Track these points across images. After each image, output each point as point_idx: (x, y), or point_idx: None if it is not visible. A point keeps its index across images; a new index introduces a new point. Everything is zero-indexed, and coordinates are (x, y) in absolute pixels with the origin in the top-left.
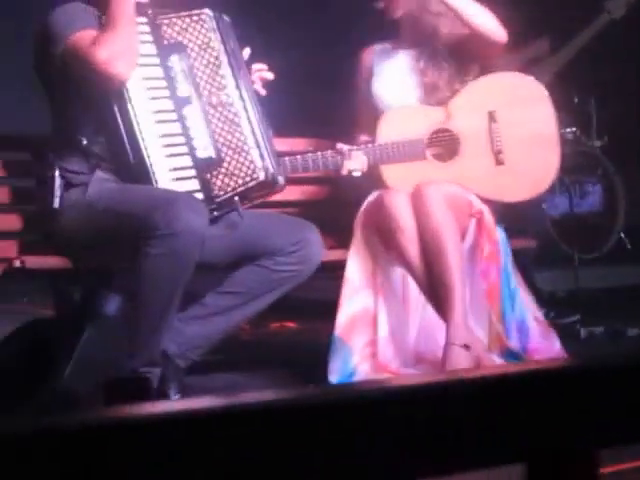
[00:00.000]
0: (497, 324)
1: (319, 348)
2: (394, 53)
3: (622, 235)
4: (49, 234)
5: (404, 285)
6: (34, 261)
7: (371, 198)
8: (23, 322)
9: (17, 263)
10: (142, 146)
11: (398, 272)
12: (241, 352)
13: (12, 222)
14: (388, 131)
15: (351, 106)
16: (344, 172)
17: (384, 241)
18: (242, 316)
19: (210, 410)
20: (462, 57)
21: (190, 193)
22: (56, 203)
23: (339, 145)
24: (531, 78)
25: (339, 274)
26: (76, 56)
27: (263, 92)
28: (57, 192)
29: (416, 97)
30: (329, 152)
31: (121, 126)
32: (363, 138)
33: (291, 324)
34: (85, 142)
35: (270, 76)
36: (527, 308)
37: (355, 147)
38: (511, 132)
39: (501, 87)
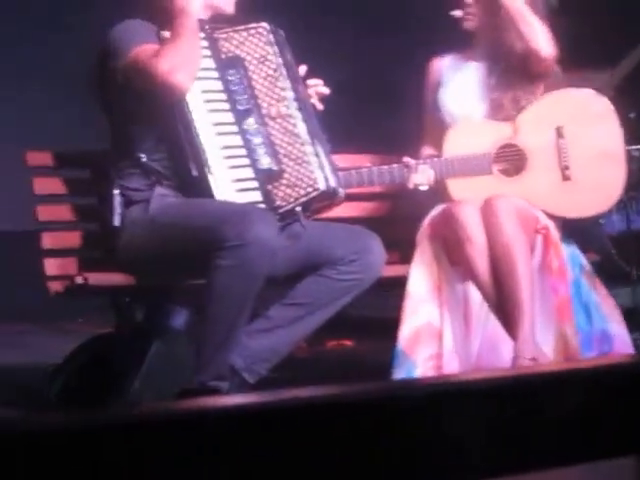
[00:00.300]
0: (572, 339)
1: (376, 366)
2: (465, 65)
3: None
4: (111, 251)
5: (466, 299)
6: (96, 278)
7: (438, 210)
8: (86, 339)
9: (79, 280)
10: (204, 159)
11: (460, 286)
12: (298, 370)
13: (73, 239)
14: (455, 145)
15: (415, 120)
16: (410, 185)
17: (450, 254)
18: (307, 327)
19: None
20: (528, 76)
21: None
22: (117, 221)
23: (406, 158)
24: (597, 94)
25: (397, 292)
26: (138, 69)
27: (320, 107)
28: (117, 210)
29: (482, 112)
30: (395, 165)
31: (183, 139)
32: (428, 152)
33: (348, 342)
34: (144, 159)
35: (326, 91)
36: (609, 317)
37: (422, 160)
38: (578, 148)
39: (568, 103)
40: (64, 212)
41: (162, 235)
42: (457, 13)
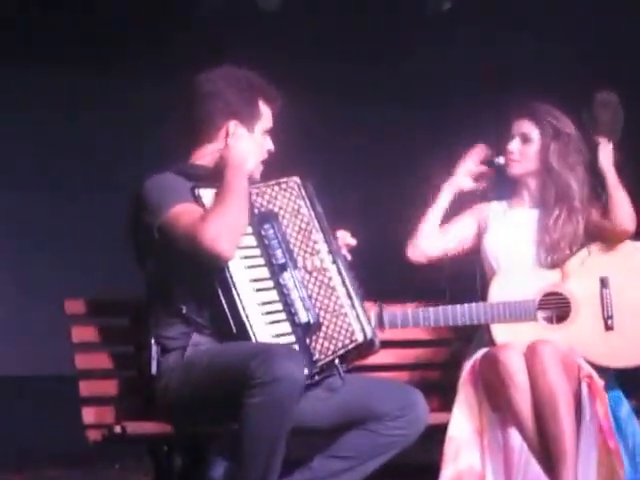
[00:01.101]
0: None
1: None
2: (509, 211)
3: None
4: (149, 399)
5: (506, 445)
6: (134, 427)
7: (480, 354)
8: None
9: (117, 429)
10: (244, 317)
11: (500, 433)
12: None
13: (111, 387)
14: (500, 291)
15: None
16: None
17: (491, 398)
18: None
19: None
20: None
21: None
22: (154, 369)
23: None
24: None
25: (437, 437)
26: (177, 230)
27: (349, 257)
28: (154, 358)
29: (532, 256)
30: (420, 310)
31: (222, 299)
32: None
33: None
34: (184, 310)
35: (353, 242)
36: None
37: (466, 304)
38: (622, 298)
39: (614, 253)
40: (102, 360)
41: (196, 380)
42: (500, 160)
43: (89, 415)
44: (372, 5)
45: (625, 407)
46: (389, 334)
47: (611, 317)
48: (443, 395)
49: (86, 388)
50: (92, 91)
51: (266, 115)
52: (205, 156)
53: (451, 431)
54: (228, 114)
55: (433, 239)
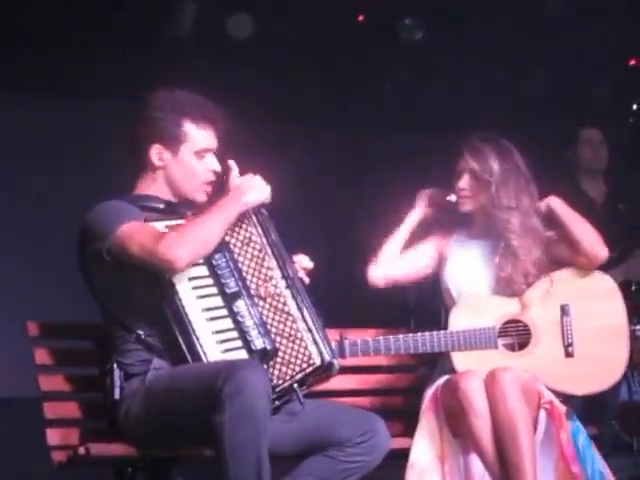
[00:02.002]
0: None
1: None
2: (468, 242)
3: None
4: (113, 423)
5: (467, 471)
6: (99, 448)
7: (441, 381)
8: None
9: (81, 450)
10: (198, 346)
11: (462, 457)
12: None
13: (76, 409)
14: (460, 319)
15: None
16: None
17: (452, 425)
18: None
19: None
20: (544, 253)
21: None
22: (117, 394)
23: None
24: (603, 274)
25: (400, 463)
26: (132, 244)
27: (307, 280)
28: (117, 383)
29: (489, 288)
30: (381, 338)
31: (175, 329)
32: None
33: None
34: (143, 336)
35: (310, 265)
36: None
37: (427, 333)
38: (582, 326)
39: (574, 281)
40: (66, 382)
41: (158, 403)
42: (452, 198)
43: (54, 436)
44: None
45: (583, 434)
46: (353, 360)
47: (571, 344)
48: (406, 421)
49: (50, 410)
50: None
51: (195, 136)
52: (147, 186)
53: (413, 457)
54: (152, 139)
55: (392, 263)
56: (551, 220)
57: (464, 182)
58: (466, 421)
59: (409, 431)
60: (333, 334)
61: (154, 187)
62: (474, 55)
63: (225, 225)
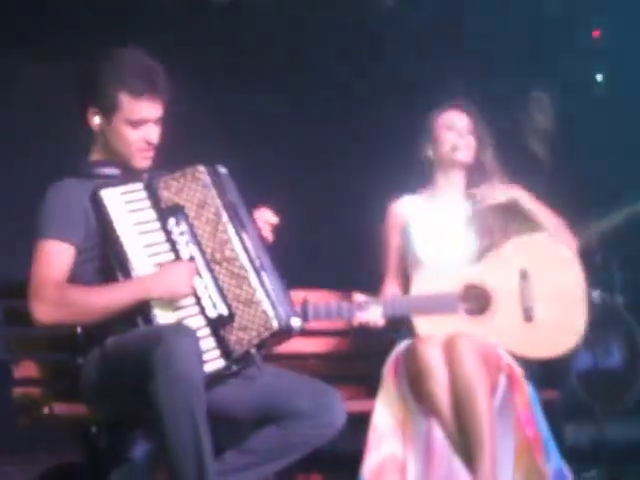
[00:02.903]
0: (545, 476)
1: None
2: (433, 201)
3: None
4: (75, 384)
5: (429, 434)
6: (62, 408)
7: (402, 347)
8: (48, 468)
9: (46, 410)
10: (152, 316)
11: (424, 423)
12: None
13: (42, 371)
14: (422, 284)
15: (377, 256)
16: (355, 323)
17: (414, 390)
18: (259, 475)
19: None
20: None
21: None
22: (79, 358)
23: (355, 295)
24: (561, 241)
25: (365, 426)
26: (33, 267)
27: (271, 238)
28: (81, 346)
29: (459, 246)
30: (344, 302)
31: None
32: (390, 290)
33: (317, 477)
34: None
35: (274, 219)
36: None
37: (372, 299)
38: (541, 291)
39: (533, 247)
40: (35, 343)
41: (109, 369)
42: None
43: (19, 397)
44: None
45: (536, 400)
46: (319, 323)
47: (530, 309)
48: (372, 384)
49: (17, 370)
50: None
51: (129, 107)
52: (99, 150)
53: (375, 419)
54: (89, 103)
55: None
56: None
57: (463, 133)
58: (425, 386)
59: (375, 394)
60: (297, 296)
61: (103, 152)
62: None
63: (115, 308)
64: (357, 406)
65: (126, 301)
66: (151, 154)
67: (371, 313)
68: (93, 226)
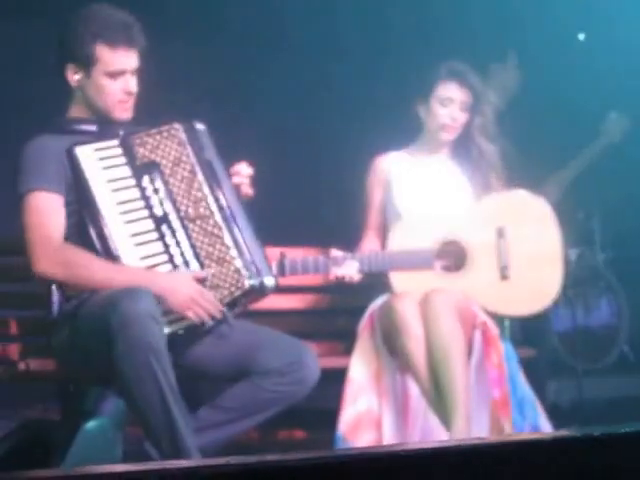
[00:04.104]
0: (509, 431)
1: None
2: (417, 159)
3: (625, 347)
4: (49, 341)
5: (405, 390)
6: (38, 364)
7: (379, 302)
8: (21, 422)
9: (22, 366)
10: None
11: (399, 376)
12: None
13: (17, 327)
14: (399, 239)
15: (358, 214)
16: (331, 277)
17: (389, 345)
18: (233, 431)
19: None
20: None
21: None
22: (54, 313)
23: (332, 251)
24: (539, 197)
25: (340, 382)
26: (25, 225)
27: (250, 192)
28: (55, 303)
29: (438, 203)
30: (320, 257)
31: (103, 256)
32: (371, 246)
33: (300, 433)
34: None
35: (249, 170)
36: (539, 413)
37: (349, 254)
38: (517, 248)
39: (510, 204)
40: (8, 299)
41: (75, 327)
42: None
43: None
44: None
45: (514, 359)
46: (296, 279)
47: (507, 267)
48: (349, 340)
49: None
50: None
51: (108, 58)
52: (76, 107)
53: (350, 373)
54: (66, 58)
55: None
56: None
57: (454, 112)
58: (401, 343)
59: (351, 350)
60: (275, 253)
61: (82, 108)
62: None
63: (112, 285)
64: (336, 362)
65: (125, 284)
66: (131, 104)
67: (347, 268)
68: (70, 180)
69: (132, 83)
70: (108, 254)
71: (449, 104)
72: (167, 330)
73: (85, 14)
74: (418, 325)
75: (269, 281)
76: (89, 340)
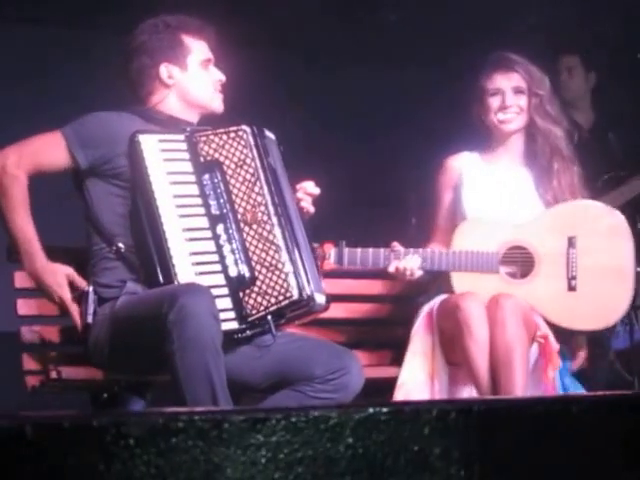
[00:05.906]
0: None
1: None
2: (489, 166)
3: None
4: (85, 347)
5: (457, 396)
6: (70, 372)
7: (437, 301)
8: None
9: (53, 374)
10: (171, 267)
11: (453, 382)
12: None
13: (53, 334)
14: (464, 240)
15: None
16: (391, 269)
17: (446, 348)
18: None
19: None
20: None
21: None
22: (89, 318)
23: (395, 244)
24: (616, 211)
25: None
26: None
27: (312, 209)
28: (90, 307)
29: (508, 210)
30: (382, 249)
31: (152, 248)
32: (437, 248)
33: None
34: (123, 249)
35: (315, 190)
36: None
37: (411, 249)
38: (587, 260)
39: (585, 215)
40: (44, 306)
41: (120, 330)
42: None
43: (29, 361)
44: None
45: (569, 374)
46: (346, 289)
47: (575, 278)
48: (395, 350)
49: (27, 334)
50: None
51: (196, 48)
52: (158, 104)
53: (402, 378)
54: (156, 62)
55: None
56: None
57: (510, 98)
58: (463, 344)
59: (399, 360)
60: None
61: (184, 102)
62: None
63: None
64: (381, 372)
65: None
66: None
67: (409, 262)
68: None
69: (219, 72)
70: (157, 241)
71: (499, 94)
72: None
73: (154, 20)
74: (483, 327)
75: (319, 298)
76: (135, 339)
